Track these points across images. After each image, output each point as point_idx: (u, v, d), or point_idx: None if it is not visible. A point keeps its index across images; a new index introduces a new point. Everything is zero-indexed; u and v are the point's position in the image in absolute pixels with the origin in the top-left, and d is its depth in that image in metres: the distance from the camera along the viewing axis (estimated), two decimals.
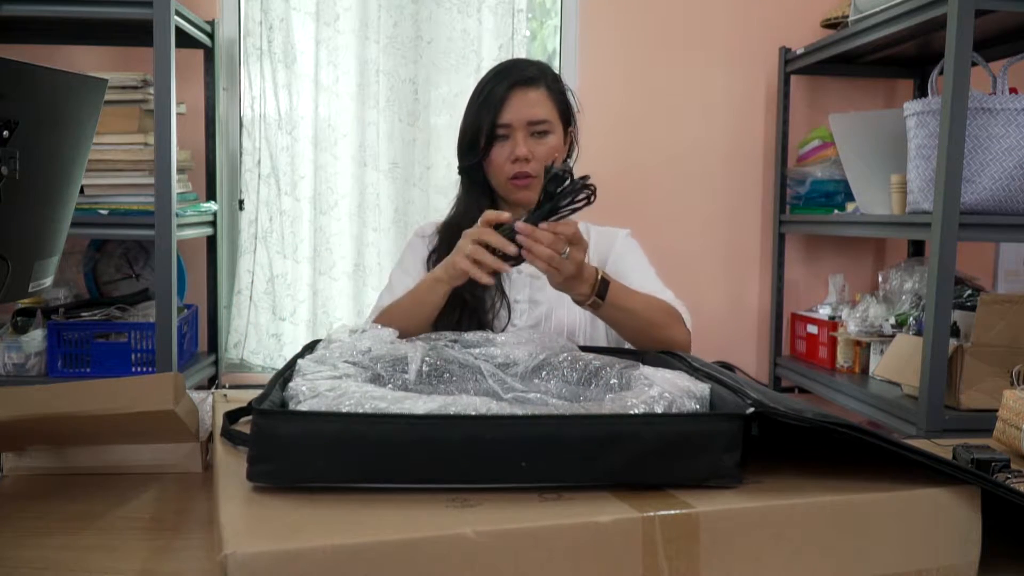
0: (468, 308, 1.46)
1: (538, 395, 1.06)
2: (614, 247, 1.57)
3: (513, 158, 1.48)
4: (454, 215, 1.58)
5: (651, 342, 1.35)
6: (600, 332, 1.54)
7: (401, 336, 1.24)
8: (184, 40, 2.41)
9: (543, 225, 1.18)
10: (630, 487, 0.77)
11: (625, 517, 0.71)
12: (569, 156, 1.60)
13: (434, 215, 2.75)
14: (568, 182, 1.17)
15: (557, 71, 2.88)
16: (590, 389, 1.06)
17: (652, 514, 0.72)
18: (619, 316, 1.32)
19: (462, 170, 1.56)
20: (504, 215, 1.23)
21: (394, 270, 1.61)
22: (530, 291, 1.53)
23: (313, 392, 0.86)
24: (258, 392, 0.90)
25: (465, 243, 1.24)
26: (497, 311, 1.48)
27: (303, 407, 0.84)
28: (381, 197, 2.75)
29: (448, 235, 1.54)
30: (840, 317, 2.67)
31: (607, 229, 1.62)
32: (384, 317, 1.39)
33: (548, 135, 1.50)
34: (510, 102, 1.48)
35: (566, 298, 1.52)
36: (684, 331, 1.41)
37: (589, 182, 1.17)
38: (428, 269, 1.52)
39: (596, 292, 1.27)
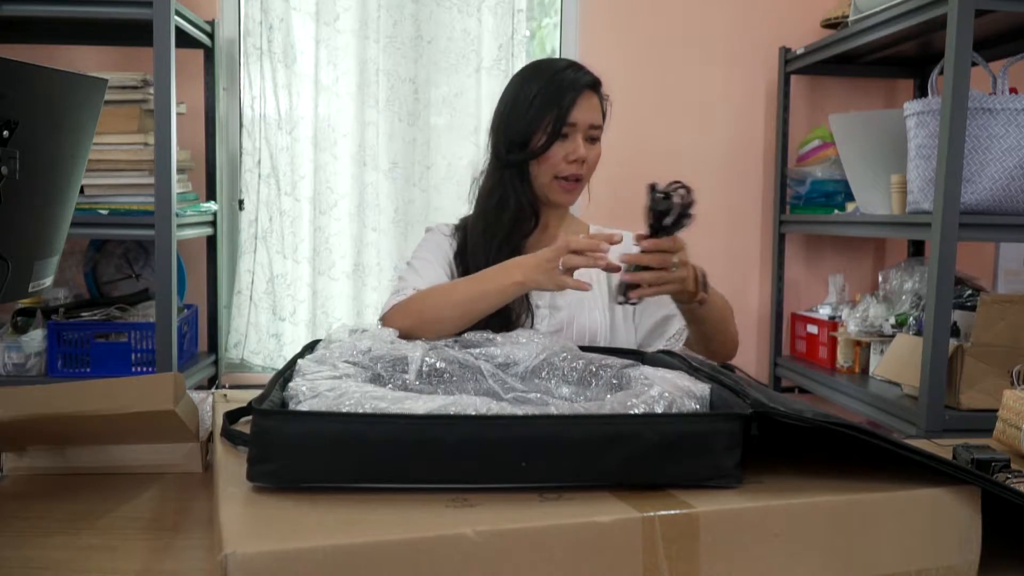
0: (498, 310, 1.43)
1: (538, 395, 1.05)
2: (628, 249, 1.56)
3: (571, 158, 1.47)
4: (494, 206, 1.51)
5: (722, 338, 1.43)
6: (620, 337, 1.53)
7: (435, 328, 1.27)
8: (184, 40, 2.41)
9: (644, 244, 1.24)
10: (630, 487, 0.77)
11: (625, 517, 0.71)
12: None
13: (434, 214, 2.75)
14: (676, 203, 1.20)
15: None
16: (590, 389, 1.06)
17: (652, 514, 0.72)
18: (712, 312, 1.38)
19: (510, 163, 1.51)
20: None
21: (415, 259, 1.55)
22: (551, 297, 1.51)
23: (313, 392, 0.86)
24: (258, 392, 0.90)
25: (556, 255, 1.26)
26: (522, 317, 1.47)
27: (303, 407, 0.84)
28: (381, 197, 2.75)
29: (482, 232, 1.50)
30: (840, 317, 2.67)
31: (614, 232, 1.61)
32: (434, 297, 1.36)
33: (598, 142, 1.51)
34: (580, 102, 1.47)
35: (587, 303, 1.51)
36: (736, 329, 1.49)
37: (689, 199, 1.20)
38: (455, 267, 1.51)
39: (702, 286, 1.32)
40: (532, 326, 1.47)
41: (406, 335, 1.20)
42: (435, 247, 1.56)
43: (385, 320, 1.38)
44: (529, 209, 1.51)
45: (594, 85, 1.50)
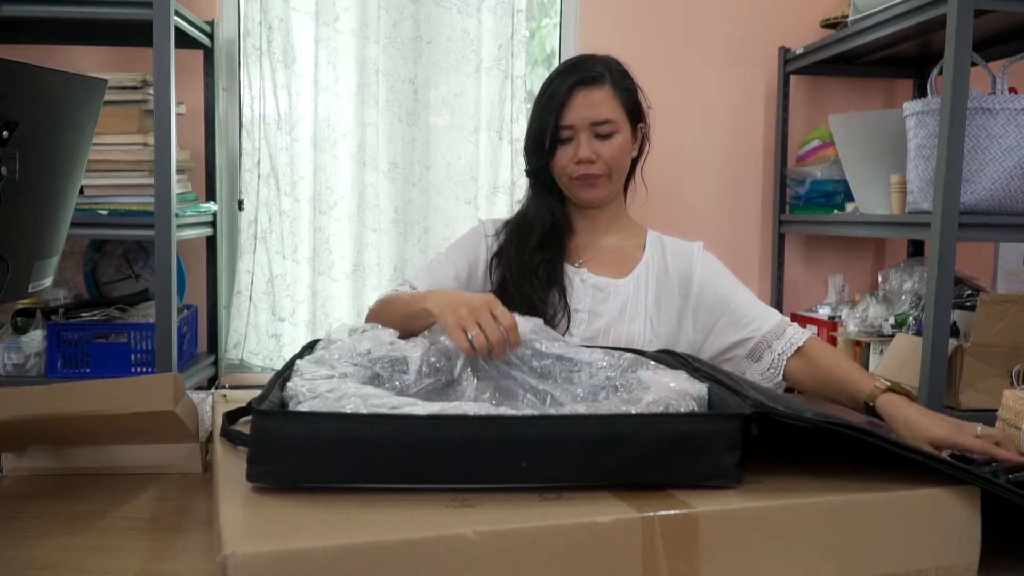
0: (534, 313, 1.38)
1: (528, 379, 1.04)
2: (695, 264, 1.51)
3: (576, 159, 1.45)
4: (523, 214, 1.53)
5: None
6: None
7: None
8: (184, 40, 2.41)
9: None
10: (630, 487, 0.77)
11: (625, 517, 0.71)
12: (640, 154, 1.56)
13: (434, 215, 2.75)
14: None
15: None
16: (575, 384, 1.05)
17: (652, 514, 0.72)
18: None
19: (529, 172, 1.53)
20: None
21: (441, 254, 1.57)
22: (592, 302, 1.47)
23: (313, 393, 0.85)
24: (258, 392, 0.90)
25: (471, 313, 1.12)
26: (558, 320, 1.44)
27: (303, 407, 0.84)
28: (381, 197, 2.74)
29: (516, 234, 1.50)
30: (840, 317, 2.67)
31: (679, 242, 1.57)
32: (385, 305, 1.39)
33: (613, 136, 1.46)
34: (572, 102, 1.44)
35: (627, 313, 1.46)
36: None
37: None
38: (488, 269, 1.50)
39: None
40: (568, 330, 1.44)
41: None
42: (464, 246, 1.55)
43: (369, 312, 1.41)
44: (549, 216, 1.49)
45: (591, 81, 1.46)
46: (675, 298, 1.49)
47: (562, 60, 2.82)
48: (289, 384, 0.89)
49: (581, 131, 1.45)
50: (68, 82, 1.08)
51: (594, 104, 1.45)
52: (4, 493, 1.03)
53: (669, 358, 1.10)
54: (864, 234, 2.42)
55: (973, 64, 1.94)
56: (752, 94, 2.91)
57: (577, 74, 1.47)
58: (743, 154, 2.92)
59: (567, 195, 1.51)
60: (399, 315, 1.32)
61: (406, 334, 1.19)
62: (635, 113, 1.52)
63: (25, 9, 2.25)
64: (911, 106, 2.11)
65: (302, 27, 2.69)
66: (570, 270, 1.49)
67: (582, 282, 1.48)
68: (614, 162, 1.47)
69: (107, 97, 1.18)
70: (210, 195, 2.69)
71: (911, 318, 2.37)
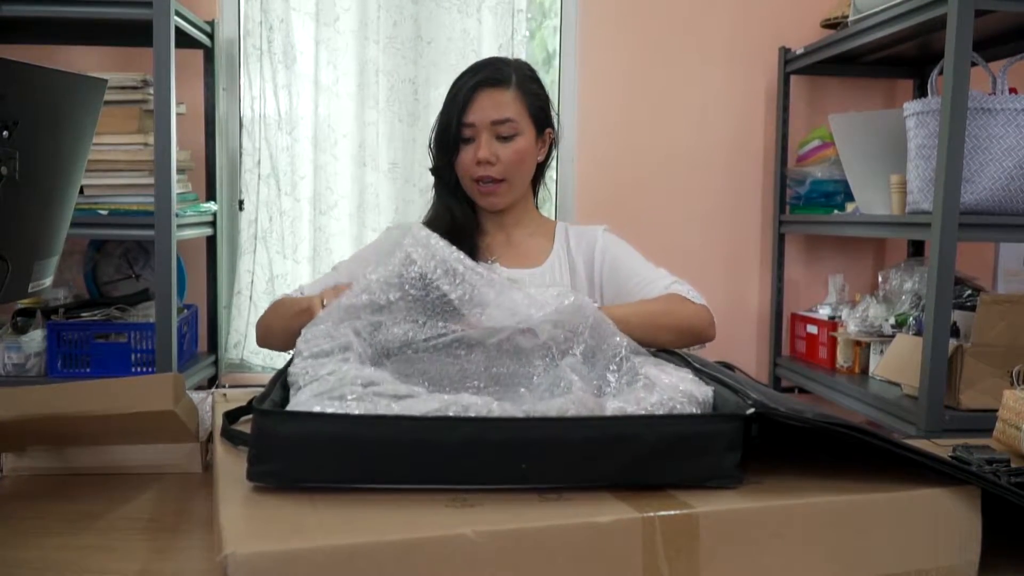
0: None
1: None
2: (596, 245, 1.52)
3: (476, 160, 1.45)
4: (428, 218, 1.53)
5: (670, 334, 1.28)
6: None
7: (269, 341, 1.35)
8: (184, 40, 2.41)
9: None
10: (630, 487, 0.77)
11: (625, 517, 0.71)
12: (547, 159, 1.56)
13: None
14: None
15: (557, 71, 2.86)
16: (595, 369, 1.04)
17: (652, 514, 0.72)
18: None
19: (433, 170, 1.53)
20: None
21: (343, 262, 1.55)
22: None
23: (313, 376, 0.85)
24: (258, 392, 0.90)
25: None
26: None
27: (304, 393, 0.83)
28: (381, 197, 2.75)
29: None
30: (840, 317, 2.67)
31: (583, 228, 1.58)
32: (275, 307, 1.39)
33: (515, 137, 1.46)
34: (475, 102, 1.44)
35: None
36: (694, 307, 1.34)
37: None
38: None
39: None
40: None
41: (260, 340, 1.38)
42: (371, 253, 1.52)
43: (259, 322, 1.42)
44: (449, 217, 1.49)
45: (495, 82, 1.45)
46: (583, 282, 1.51)
47: (563, 61, 2.84)
48: (291, 368, 0.89)
49: (483, 131, 1.45)
50: (68, 82, 1.08)
51: (497, 104, 1.45)
52: (4, 493, 1.03)
53: (669, 358, 1.10)
54: (864, 234, 2.42)
55: (973, 64, 1.94)
56: (752, 94, 2.91)
57: (482, 74, 1.47)
58: (743, 154, 2.92)
59: (471, 197, 1.52)
60: (286, 316, 1.30)
61: (289, 336, 1.16)
62: (540, 118, 1.51)
63: (25, 9, 2.25)
64: (911, 106, 2.11)
65: (302, 27, 2.69)
66: (483, 267, 1.50)
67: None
68: (513, 165, 1.47)
69: (107, 97, 1.18)
70: (210, 195, 2.69)
71: (911, 318, 2.37)
